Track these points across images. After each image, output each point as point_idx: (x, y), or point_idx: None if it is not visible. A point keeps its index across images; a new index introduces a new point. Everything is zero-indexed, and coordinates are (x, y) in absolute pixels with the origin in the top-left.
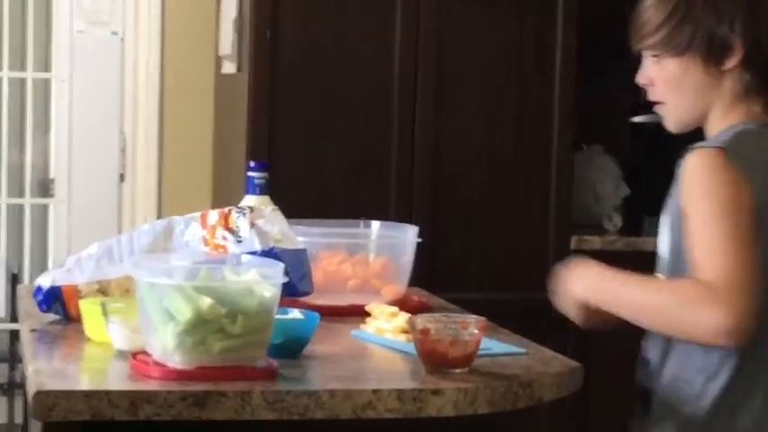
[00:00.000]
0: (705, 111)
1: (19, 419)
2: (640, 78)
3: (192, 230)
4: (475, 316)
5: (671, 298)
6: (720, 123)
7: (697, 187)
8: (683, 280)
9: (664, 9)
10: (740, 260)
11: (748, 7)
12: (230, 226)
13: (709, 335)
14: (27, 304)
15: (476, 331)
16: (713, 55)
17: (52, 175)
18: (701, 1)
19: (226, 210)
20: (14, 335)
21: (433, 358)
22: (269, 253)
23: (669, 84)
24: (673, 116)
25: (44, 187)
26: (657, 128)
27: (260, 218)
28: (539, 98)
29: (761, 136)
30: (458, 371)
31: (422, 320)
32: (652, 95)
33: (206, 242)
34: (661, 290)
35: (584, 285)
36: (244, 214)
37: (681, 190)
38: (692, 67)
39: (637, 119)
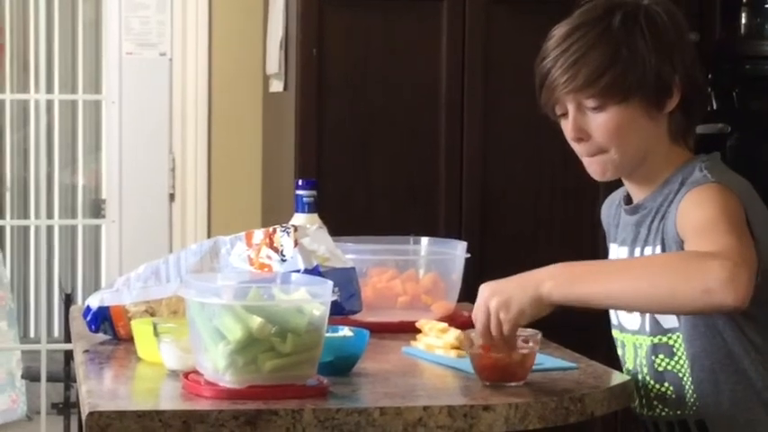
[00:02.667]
0: (646, 156)
1: None
2: (572, 133)
3: (238, 250)
4: (529, 329)
5: (669, 258)
6: (665, 166)
7: (693, 206)
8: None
9: (604, 52)
10: (744, 241)
11: (684, 46)
12: (275, 245)
13: (711, 284)
14: (79, 325)
15: (532, 344)
16: (657, 98)
17: (104, 195)
18: (641, 41)
19: (270, 229)
20: (69, 355)
21: (492, 372)
22: (313, 272)
23: (612, 133)
24: (614, 165)
25: (96, 208)
26: (705, 139)
27: (305, 236)
28: None
29: (724, 166)
30: (513, 384)
31: (478, 335)
32: (586, 149)
33: (251, 261)
34: (654, 256)
35: (551, 283)
36: (288, 233)
37: (676, 221)
38: (636, 113)
39: None
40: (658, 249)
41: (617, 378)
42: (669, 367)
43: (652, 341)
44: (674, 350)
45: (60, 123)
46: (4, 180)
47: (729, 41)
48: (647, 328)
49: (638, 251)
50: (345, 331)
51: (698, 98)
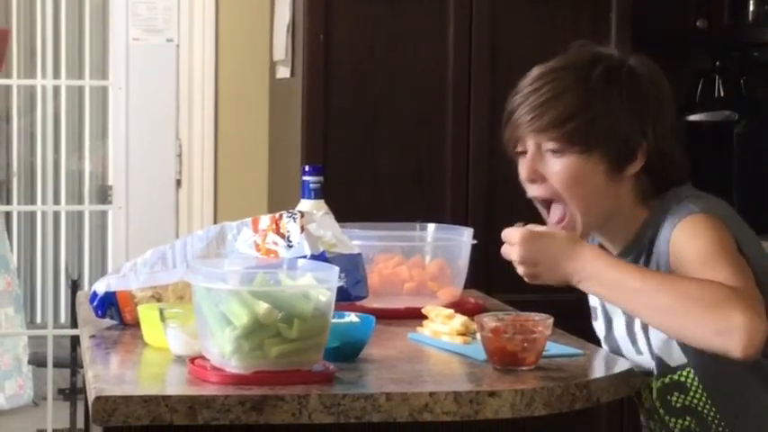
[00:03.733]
0: (609, 215)
1: (81, 424)
2: (526, 173)
3: (244, 236)
4: (541, 314)
5: (696, 288)
6: (630, 226)
7: (687, 239)
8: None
9: (576, 98)
10: (747, 273)
11: (657, 113)
12: (281, 231)
13: (727, 329)
14: (85, 310)
15: (542, 329)
16: (618, 159)
17: (110, 181)
18: (616, 98)
19: (277, 215)
20: (75, 340)
21: (503, 357)
22: (319, 258)
23: (568, 182)
24: (577, 222)
25: (103, 194)
26: (712, 126)
27: (311, 222)
28: None
29: (698, 191)
30: (525, 368)
31: (490, 319)
32: (539, 191)
33: (257, 247)
34: (684, 279)
35: (574, 266)
36: (294, 219)
37: (670, 256)
38: (596, 168)
39: (692, 117)
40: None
41: (622, 365)
42: (687, 402)
43: (663, 382)
44: (688, 385)
45: (67, 109)
46: (11, 166)
47: (737, 29)
48: (655, 370)
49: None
50: (352, 317)
51: (666, 167)
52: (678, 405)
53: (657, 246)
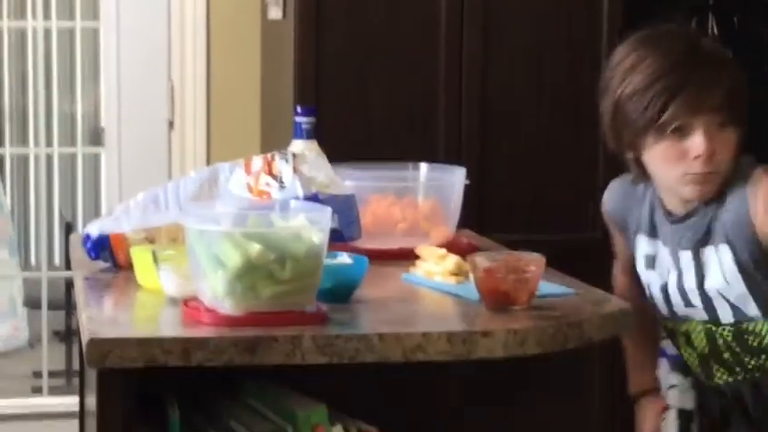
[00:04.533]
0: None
1: (76, 366)
2: (704, 149)
3: (237, 177)
4: (533, 254)
5: None
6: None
7: None
8: None
9: (740, 79)
10: None
11: None
12: (274, 172)
13: None
14: (79, 253)
15: (535, 268)
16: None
17: (103, 123)
18: (743, 76)
19: (269, 156)
20: (70, 282)
21: (497, 296)
22: (312, 199)
23: (730, 156)
24: (715, 186)
25: (95, 136)
26: None
27: (304, 163)
28: (587, 36)
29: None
30: (518, 308)
31: (482, 259)
32: (707, 166)
33: (250, 189)
34: None
35: None
36: (287, 160)
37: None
38: (737, 141)
39: None
40: (723, 248)
41: (615, 304)
42: (763, 344)
43: (739, 328)
44: (763, 333)
45: (58, 51)
46: (2, 109)
47: None
48: (732, 317)
49: (703, 251)
50: (344, 258)
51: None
52: (755, 345)
53: (730, 202)
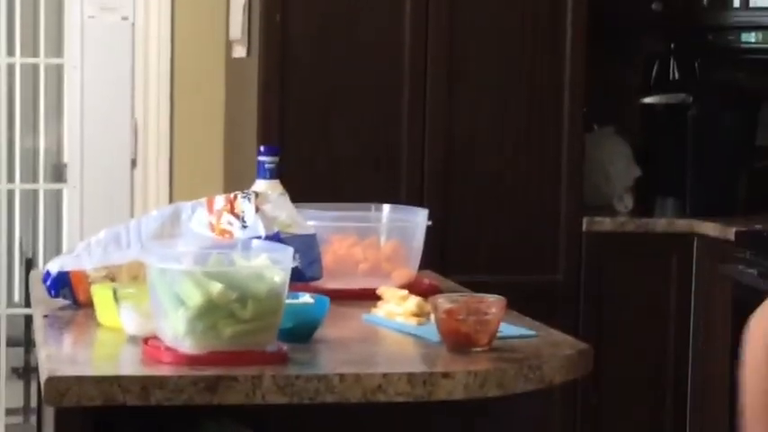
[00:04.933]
0: None
1: (34, 403)
2: None
3: (199, 216)
4: (493, 295)
5: None
6: None
7: None
8: None
9: None
10: None
11: None
12: (236, 211)
13: None
14: (39, 290)
15: (496, 311)
16: None
17: (65, 160)
18: None
19: (232, 195)
20: (29, 320)
21: (457, 338)
22: (274, 238)
23: None
24: None
25: (58, 172)
26: (666, 109)
27: (266, 203)
28: (549, 80)
29: None
30: (479, 350)
31: (444, 301)
32: None
33: (212, 227)
34: None
35: None
36: (249, 199)
37: None
38: None
39: (647, 100)
40: None
41: (576, 346)
42: None
43: None
44: None
45: (22, 87)
46: None
47: (692, 11)
48: None
49: None
50: (306, 298)
51: None
52: None
53: None
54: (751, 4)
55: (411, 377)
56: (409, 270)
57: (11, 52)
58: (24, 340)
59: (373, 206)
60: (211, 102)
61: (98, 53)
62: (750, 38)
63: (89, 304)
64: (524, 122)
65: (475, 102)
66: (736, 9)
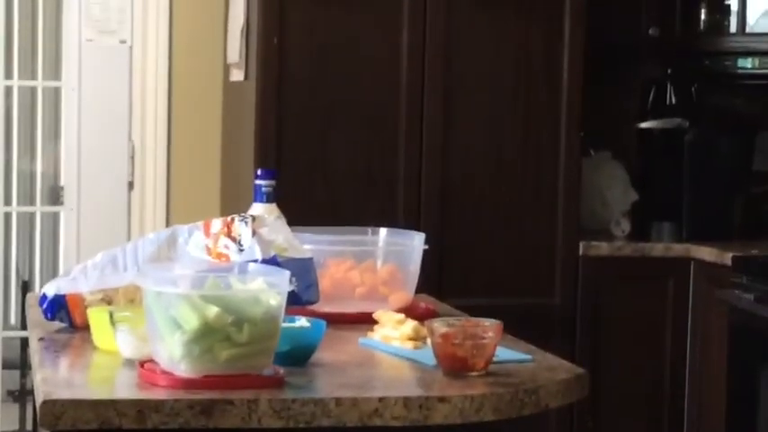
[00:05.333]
0: None
1: (30, 426)
2: None
3: (196, 239)
4: (490, 320)
5: None
6: None
7: None
8: None
9: None
10: None
11: None
12: (233, 234)
13: None
14: (35, 312)
15: (492, 335)
16: None
17: (62, 182)
18: None
19: (229, 218)
20: (25, 342)
21: (453, 362)
22: (270, 262)
23: None
24: None
25: (55, 195)
26: (663, 134)
27: (263, 226)
28: (547, 104)
29: None
30: (474, 374)
31: (440, 325)
32: None
33: (209, 251)
34: None
35: None
36: (246, 223)
37: None
38: None
39: (644, 125)
40: None
41: (572, 371)
42: None
43: None
44: None
45: (19, 109)
46: None
47: (689, 37)
48: None
49: None
50: (302, 321)
51: None
52: None
53: None
54: (747, 30)
55: (407, 401)
56: (406, 294)
57: (9, 75)
58: (20, 363)
59: (370, 230)
60: (209, 125)
61: (96, 76)
62: (747, 63)
63: (85, 327)
64: (521, 146)
65: (472, 126)
66: (733, 35)
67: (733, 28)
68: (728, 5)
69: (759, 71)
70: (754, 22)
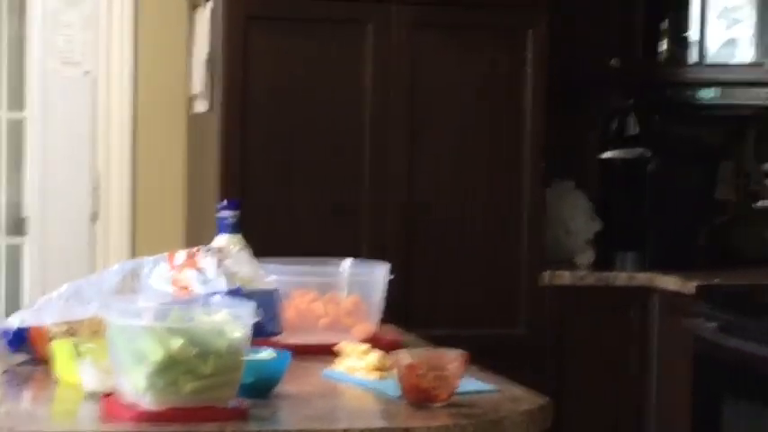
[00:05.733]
0: None
1: None
2: None
3: (160, 271)
4: (455, 350)
5: None
6: None
7: None
8: None
9: None
10: None
11: None
12: (197, 266)
13: None
14: None
15: (457, 365)
16: None
17: (26, 213)
18: None
19: (193, 250)
20: None
21: (417, 393)
22: (235, 293)
23: None
24: None
25: (18, 226)
26: (626, 163)
27: (227, 258)
28: (510, 135)
29: None
30: (438, 405)
31: (405, 356)
32: None
33: (174, 282)
34: None
35: None
36: (211, 254)
37: None
38: None
39: (606, 154)
40: None
41: (536, 401)
42: None
43: None
44: None
45: None
46: None
47: (650, 68)
48: None
49: None
50: (266, 353)
51: None
52: None
53: None
54: (708, 61)
55: None
56: (370, 324)
57: None
58: None
59: (334, 261)
60: (173, 156)
61: (60, 107)
62: (707, 94)
63: (48, 360)
64: (485, 177)
65: (435, 155)
66: (693, 65)
67: (693, 59)
68: (688, 37)
69: (720, 102)
70: (714, 52)
